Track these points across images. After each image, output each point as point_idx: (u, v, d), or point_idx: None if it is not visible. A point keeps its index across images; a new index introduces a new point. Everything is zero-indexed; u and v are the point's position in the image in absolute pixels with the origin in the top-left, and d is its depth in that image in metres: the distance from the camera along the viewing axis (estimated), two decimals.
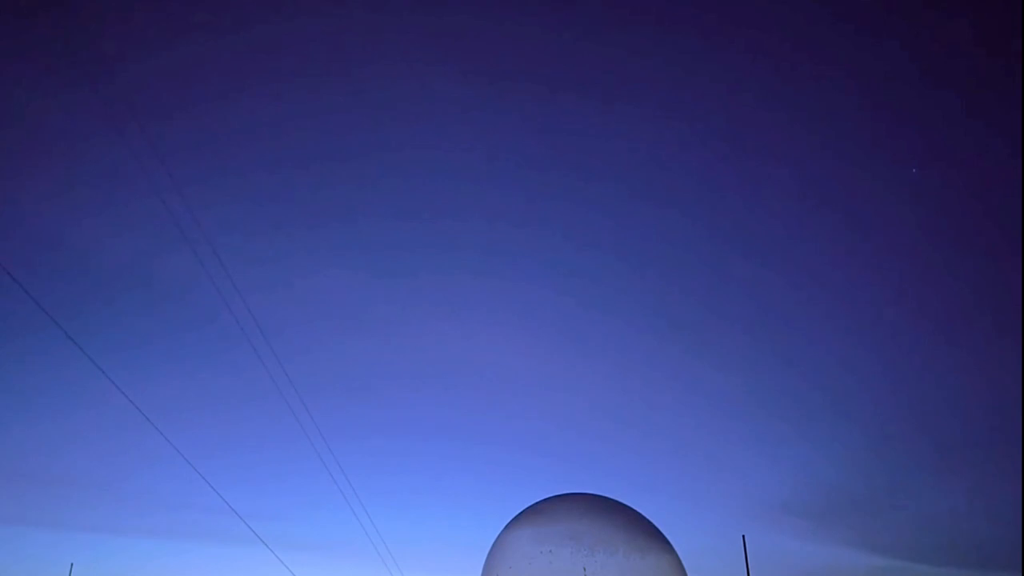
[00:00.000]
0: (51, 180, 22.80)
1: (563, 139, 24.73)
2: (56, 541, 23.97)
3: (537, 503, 7.94)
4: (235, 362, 24.46)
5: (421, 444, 27.37)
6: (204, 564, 24.95)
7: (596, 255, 25.84)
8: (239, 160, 24.32)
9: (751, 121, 23.88)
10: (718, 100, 23.76)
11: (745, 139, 24.26)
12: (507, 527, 7.84)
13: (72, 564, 21.30)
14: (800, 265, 25.44)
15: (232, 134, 23.99)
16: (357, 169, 24.97)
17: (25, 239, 22.62)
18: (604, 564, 6.80)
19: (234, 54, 22.82)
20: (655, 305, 26.11)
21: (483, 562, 7.81)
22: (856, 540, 24.39)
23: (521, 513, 7.90)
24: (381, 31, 22.97)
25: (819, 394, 25.42)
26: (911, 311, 24.43)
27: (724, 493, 25.77)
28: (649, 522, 7.61)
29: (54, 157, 22.33)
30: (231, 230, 24.22)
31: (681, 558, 7.50)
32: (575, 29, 23.01)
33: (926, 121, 22.52)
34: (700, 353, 26.24)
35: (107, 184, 22.79)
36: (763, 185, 24.82)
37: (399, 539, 18.23)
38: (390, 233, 25.69)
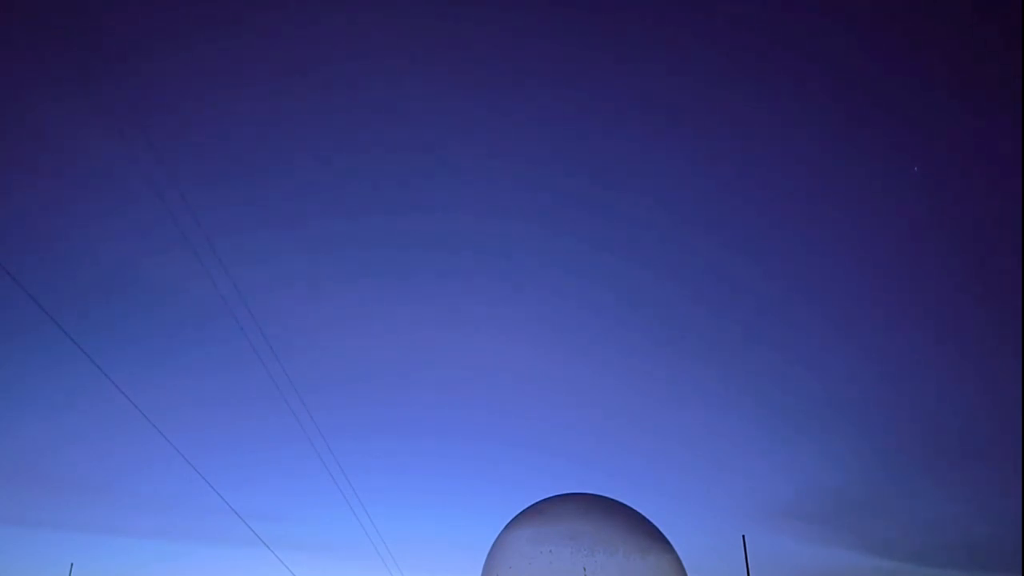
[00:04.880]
0: (51, 180, 22.82)
1: (565, 140, 24.76)
2: (56, 541, 23.99)
3: (537, 503, 7.93)
4: (235, 362, 24.47)
5: (421, 444, 27.39)
6: (204, 564, 24.96)
7: (597, 255, 25.85)
8: (239, 160, 24.34)
9: (753, 122, 23.89)
10: (719, 101, 23.77)
11: (747, 141, 24.27)
12: (507, 527, 7.83)
13: (72, 564, 21.32)
14: (802, 267, 25.45)
15: (232, 134, 24.01)
16: (358, 169, 25.00)
17: (25, 239, 22.64)
18: (604, 564, 6.79)
19: (234, 54, 22.84)
20: (657, 305, 26.12)
21: (483, 562, 7.80)
22: (857, 542, 24.37)
23: (521, 513, 7.89)
24: (381, 32, 22.99)
25: (821, 396, 25.41)
26: (913, 313, 24.43)
27: (725, 494, 25.76)
28: (649, 522, 7.60)
29: (54, 157, 22.35)
30: (231, 230, 24.23)
31: (681, 558, 7.49)
32: (574, 29, 23.02)
33: (927, 120, 22.54)
34: (702, 354, 26.24)
35: (107, 184, 22.80)
36: (765, 186, 24.83)
37: (399, 539, 18.24)
38: (391, 233, 25.71)
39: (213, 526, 23.35)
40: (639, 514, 7.66)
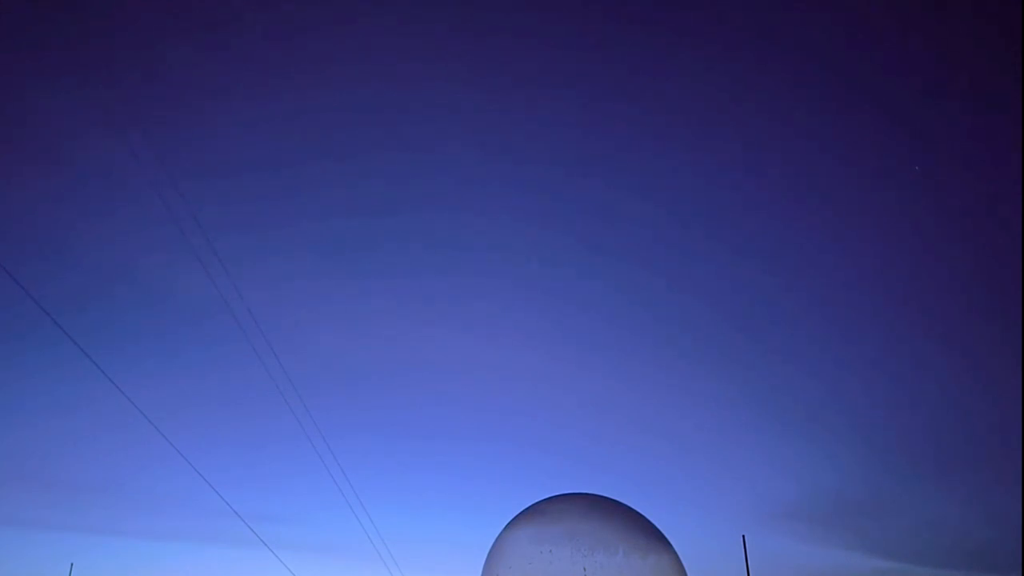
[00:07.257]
0: (51, 179, 22.81)
1: (566, 140, 24.75)
2: (56, 541, 23.98)
3: (537, 503, 7.92)
4: (235, 362, 24.49)
5: (421, 444, 27.40)
6: (204, 564, 24.94)
7: (597, 255, 25.84)
8: (239, 159, 24.33)
9: (752, 121, 23.87)
10: (718, 100, 23.75)
11: (747, 139, 24.26)
12: (507, 527, 7.82)
13: (72, 564, 21.31)
14: (803, 267, 25.44)
15: (231, 133, 24.01)
16: (359, 168, 25.00)
17: (25, 239, 22.63)
18: (604, 564, 6.78)
19: (235, 52, 22.83)
20: (657, 305, 26.10)
21: (483, 562, 7.79)
22: (858, 543, 24.36)
23: (521, 513, 7.88)
24: (381, 31, 22.97)
25: (821, 397, 25.41)
26: (913, 313, 24.41)
27: (725, 494, 25.75)
28: (649, 522, 7.58)
29: (54, 156, 22.35)
30: (231, 229, 24.23)
31: (681, 558, 7.48)
32: (570, 28, 23.00)
33: (928, 118, 22.51)
34: (702, 354, 26.23)
35: (106, 183, 22.81)
36: (766, 185, 24.82)
37: (399, 539, 18.25)
38: (391, 232, 25.71)
39: (213, 526, 23.38)
40: (639, 514, 7.64)
